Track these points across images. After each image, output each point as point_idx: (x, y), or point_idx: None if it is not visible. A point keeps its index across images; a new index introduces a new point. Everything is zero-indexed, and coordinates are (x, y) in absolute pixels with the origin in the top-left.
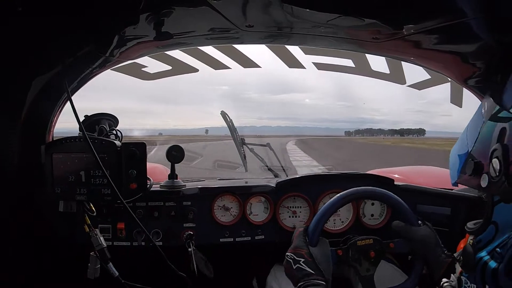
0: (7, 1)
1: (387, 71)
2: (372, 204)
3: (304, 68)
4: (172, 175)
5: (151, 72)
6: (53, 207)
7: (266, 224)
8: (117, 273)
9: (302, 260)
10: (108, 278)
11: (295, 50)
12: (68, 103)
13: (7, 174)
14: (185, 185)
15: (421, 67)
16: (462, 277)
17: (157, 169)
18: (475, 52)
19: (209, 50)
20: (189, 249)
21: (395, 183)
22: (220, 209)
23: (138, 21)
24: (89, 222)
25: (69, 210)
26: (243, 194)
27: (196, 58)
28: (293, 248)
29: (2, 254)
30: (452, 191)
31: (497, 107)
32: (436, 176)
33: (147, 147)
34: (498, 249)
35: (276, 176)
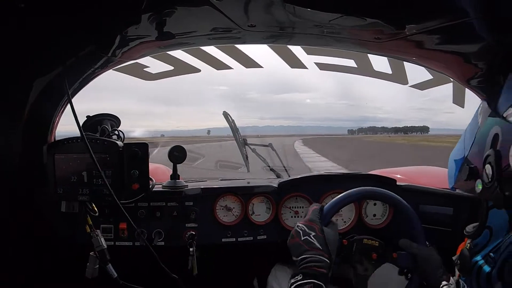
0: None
1: (389, 71)
2: (375, 204)
3: (306, 68)
4: (174, 176)
5: (153, 73)
6: (54, 207)
7: (268, 224)
8: (115, 274)
9: (313, 234)
10: (108, 279)
11: (297, 50)
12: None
13: (8, 174)
14: (187, 185)
15: (423, 67)
16: (460, 280)
17: (159, 169)
18: (477, 53)
19: (211, 50)
20: (191, 249)
21: (397, 183)
22: (222, 209)
23: (140, 21)
24: (91, 222)
25: (71, 210)
26: (245, 194)
27: (198, 58)
28: (306, 220)
29: (2, 254)
30: (455, 191)
31: (491, 112)
32: (438, 176)
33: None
34: (491, 253)
35: (278, 176)
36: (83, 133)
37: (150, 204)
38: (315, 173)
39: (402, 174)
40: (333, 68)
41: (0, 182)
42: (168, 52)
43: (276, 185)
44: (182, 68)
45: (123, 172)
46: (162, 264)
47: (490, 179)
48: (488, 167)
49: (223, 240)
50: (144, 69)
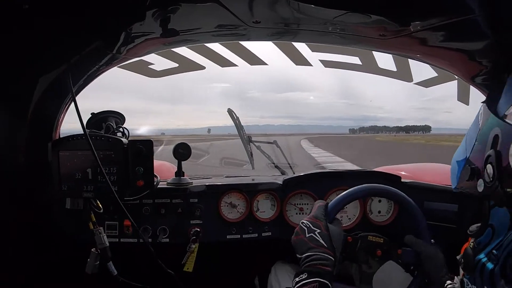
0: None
1: (394, 69)
2: (379, 201)
3: (311, 65)
4: (179, 173)
5: (158, 70)
6: (59, 204)
7: (273, 221)
8: (115, 272)
9: (318, 231)
10: (108, 276)
11: (301, 47)
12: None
13: (13, 172)
14: (192, 182)
15: (428, 65)
16: (464, 279)
17: (164, 166)
18: (482, 50)
19: (216, 47)
20: (193, 246)
21: (402, 180)
22: (227, 206)
23: (144, 18)
24: (95, 219)
25: (76, 207)
26: (250, 191)
27: (202, 56)
28: (311, 217)
29: (2, 254)
30: (458, 191)
31: (491, 114)
32: (443, 173)
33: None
34: (494, 251)
35: (283, 173)
36: (85, 130)
37: (155, 201)
38: (320, 170)
39: (407, 171)
40: (337, 65)
41: (5, 180)
42: (172, 49)
43: (280, 182)
44: (187, 65)
45: (127, 169)
46: (167, 261)
47: (491, 179)
48: (489, 167)
49: (227, 237)
50: (149, 66)
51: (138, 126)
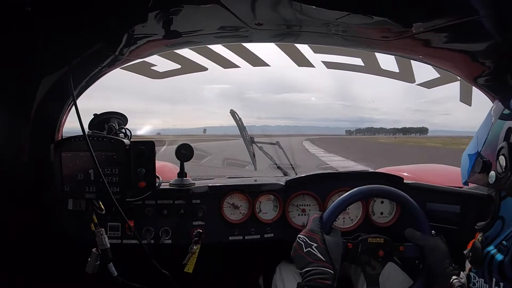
0: (16, 1)
1: (397, 70)
2: (382, 202)
3: (314, 66)
4: (182, 174)
5: (160, 71)
6: (61, 205)
7: (276, 222)
8: (116, 273)
9: (315, 245)
10: (108, 276)
11: (304, 48)
12: (77, 102)
13: (15, 172)
14: (194, 183)
15: (430, 66)
16: (471, 273)
17: (166, 167)
18: (485, 51)
19: (218, 49)
20: (194, 247)
21: (405, 181)
22: (230, 207)
23: (147, 20)
24: (96, 221)
25: (78, 208)
26: (253, 192)
27: (205, 57)
28: (307, 231)
29: (2, 253)
30: (462, 189)
31: (505, 110)
32: (446, 174)
33: None
34: (504, 241)
35: (285, 174)
36: (85, 132)
37: (157, 202)
38: (322, 171)
39: (410, 172)
40: (340, 67)
41: (6, 180)
42: (175, 51)
43: (283, 183)
44: (189, 67)
45: (129, 170)
46: (169, 262)
47: (503, 169)
48: (502, 158)
49: (230, 238)
50: (151, 68)
51: (133, 126)
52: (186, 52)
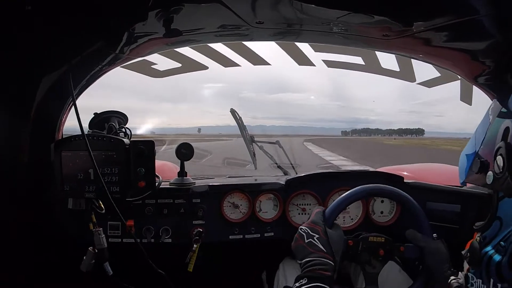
0: (16, 0)
1: (397, 69)
2: (382, 201)
3: (314, 65)
4: (182, 173)
5: (161, 70)
6: (61, 204)
7: (276, 221)
8: (111, 272)
9: (317, 236)
10: (109, 276)
11: (304, 47)
12: (78, 101)
13: (15, 172)
14: (194, 182)
15: (431, 65)
16: (469, 274)
17: (166, 166)
18: (485, 50)
19: (219, 47)
20: (194, 246)
21: (405, 180)
22: (230, 206)
23: (147, 18)
24: (95, 220)
25: (78, 207)
26: (253, 191)
27: (205, 56)
28: (310, 223)
29: (2, 253)
30: (462, 188)
31: (502, 109)
32: (446, 174)
33: None
34: (502, 242)
35: (285, 173)
36: (84, 132)
37: (157, 201)
38: (322, 170)
39: (410, 171)
40: (340, 66)
41: (6, 180)
42: (175, 49)
43: (283, 182)
44: (190, 65)
45: (129, 170)
46: (169, 261)
47: (501, 170)
48: (499, 159)
49: (230, 237)
50: (152, 66)
51: (128, 125)
52: (186, 51)
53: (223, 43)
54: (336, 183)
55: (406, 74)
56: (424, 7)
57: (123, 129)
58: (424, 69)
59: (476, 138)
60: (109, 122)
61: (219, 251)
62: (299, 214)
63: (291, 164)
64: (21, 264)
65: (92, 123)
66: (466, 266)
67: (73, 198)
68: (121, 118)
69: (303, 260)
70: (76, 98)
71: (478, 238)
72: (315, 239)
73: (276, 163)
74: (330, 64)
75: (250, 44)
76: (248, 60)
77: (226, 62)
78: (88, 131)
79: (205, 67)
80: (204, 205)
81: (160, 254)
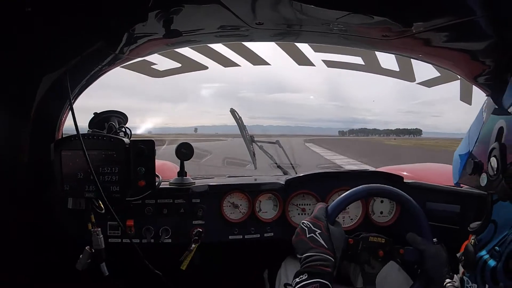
0: (16, 1)
1: (397, 69)
2: (381, 201)
3: (314, 65)
4: (181, 173)
5: (161, 70)
6: (61, 204)
7: (275, 221)
8: (107, 273)
9: (319, 231)
10: (109, 276)
11: (304, 47)
12: (78, 101)
13: (15, 172)
14: (194, 182)
15: (430, 65)
16: (464, 277)
17: (165, 166)
18: (485, 50)
19: (219, 47)
20: (193, 245)
21: (405, 180)
22: (229, 206)
23: (147, 19)
24: (94, 220)
25: (78, 207)
26: (252, 191)
27: (205, 56)
28: (312, 217)
29: (3, 253)
30: (462, 188)
31: (496, 108)
32: (445, 174)
33: None
34: (496, 247)
35: (285, 173)
36: (79, 132)
37: (157, 201)
38: (322, 170)
39: (409, 171)
40: (340, 66)
41: (6, 180)
42: (175, 50)
43: (283, 182)
44: (190, 66)
45: (129, 169)
46: (169, 261)
47: (495, 172)
48: (493, 160)
49: (230, 237)
50: (152, 66)
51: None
52: (186, 51)
53: (223, 44)
54: (336, 183)
55: (406, 74)
56: (424, 8)
57: (123, 129)
58: (423, 69)
59: (470, 137)
60: (109, 121)
61: (219, 251)
62: (299, 214)
63: (291, 164)
64: (21, 264)
65: (92, 123)
66: (461, 269)
67: (73, 198)
68: (121, 117)
69: (304, 255)
70: (76, 98)
71: (473, 240)
72: (317, 234)
73: (276, 163)
74: (330, 64)
75: (250, 44)
76: (248, 61)
77: (226, 63)
78: (88, 130)
79: (205, 67)
80: (204, 205)
81: (160, 254)
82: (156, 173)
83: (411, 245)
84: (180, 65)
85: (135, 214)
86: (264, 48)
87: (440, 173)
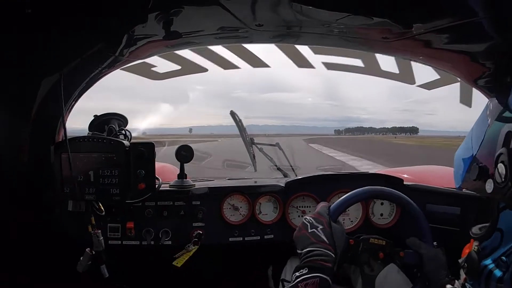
0: (16, 3)
1: (397, 71)
2: (382, 203)
3: (314, 67)
4: (182, 175)
5: (161, 72)
6: (62, 206)
7: (275, 223)
8: (107, 275)
9: (321, 227)
10: (108, 277)
11: (304, 49)
12: (78, 102)
13: (15, 172)
14: (194, 184)
15: (430, 67)
16: (466, 284)
17: (166, 168)
18: (485, 52)
19: (218, 49)
20: (192, 246)
21: (405, 183)
22: (230, 208)
23: (147, 20)
24: (94, 222)
25: (78, 209)
26: (253, 193)
27: (205, 58)
28: (315, 213)
29: (3, 253)
30: (462, 190)
31: (502, 109)
32: (445, 176)
33: None
34: (503, 257)
35: (285, 175)
36: (67, 140)
37: (157, 203)
38: (322, 172)
39: (409, 173)
40: (340, 68)
41: (6, 180)
42: (175, 52)
43: (283, 185)
44: (189, 68)
45: (129, 172)
46: (169, 263)
47: (503, 179)
48: (501, 166)
49: (230, 239)
50: (152, 69)
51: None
52: (186, 53)
53: (222, 46)
54: (336, 185)
55: (406, 76)
56: (424, 10)
57: (123, 131)
58: (423, 71)
59: (473, 140)
60: (109, 124)
61: (219, 253)
62: (299, 216)
63: (291, 166)
64: (21, 264)
65: (92, 125)
66: (463, 275)
67: (73, 200)
68: (121, 120)
69: (304, 250)
70: (76, 101)
71: (476, 247)
72: (319, 229)
73: (276, 165)
74: (329, 66)
75: (249, 47)
76: (247, 63)
77: (226, 65)
78: (88, 133)
79: (205, 70)
80: (204, 207)
81: (160, 256)
82: (156, 175)
83: (411, 248)
84: (180, 67)
85: (135, 216)
86: (264, 50)
87: (440, 175)
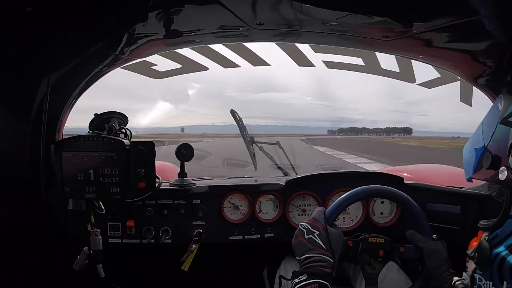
0: (16, 1)
1: (397, 70)
2: (382, 202)
3: (314, 66)
4: (182, 174)
5: (161, 71)
6: (62, 205)
7: (276, 222)
8: (103, 274)
9: (317, 232)
10: (108, 277)
11: (305, 48)
12: (78, 102)
13: (15, 172)
14: (194, 183)
15: (431, 66)
16: (475, 275)
17: (166, 166)
18: (486, 51)
19: (219, 48)
20: (193, 246)
21: (405, 181)
22: (230, 207)
23: (147, 19)
24: (94, 221)
25: (79, 208)
26: (253, 192)
27: (206, 56)
28: (310, 219)
29: (3, 253)
30: (462, 189)
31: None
32: (446, 174)
33: None
34: None
35: (285, 174)
36: (56, 140)
37: (157, 201)
38: (322, 171)
39: (410, 172)
40: (340, 66)
41: (6, 180)
42: (176, 50)
43: (283, 183)
44: (190, 66)
45: (129, 171)
46: (169, 262)
47: None
48: None
49: (230, 238)
50: (152, 67)
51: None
52: (186, 52)
53: (223, 44)
54: (336, 184)
55: (406, 75)
56: (425, 8)
57: (123, 130)
58: (424, 70)
59: (484, 131)
60: (109, 123)
61: (219, 251)
62: (299, 215)
63: (291, 165)
64: (21, 264)
65: (92, 124)
66: (471, 266)
67: (73, 199)
68: (121, 119)
69: (303, 256)
70: (76, 99)
71: (486, 237)
72: (315, 235)
73: (276, 164)
74: (330, 65)
75: (250, 45)
76: (248, 61)
77: (226, 63)
78: (89, 131)
79: (205, 68)
80: (204, 206)
81: (160, 255)
82: (157, 174)
83: (411, 242)
84: (180, 66)
85: (136, 214)
86: (264, 49)
87: (440, 174)
